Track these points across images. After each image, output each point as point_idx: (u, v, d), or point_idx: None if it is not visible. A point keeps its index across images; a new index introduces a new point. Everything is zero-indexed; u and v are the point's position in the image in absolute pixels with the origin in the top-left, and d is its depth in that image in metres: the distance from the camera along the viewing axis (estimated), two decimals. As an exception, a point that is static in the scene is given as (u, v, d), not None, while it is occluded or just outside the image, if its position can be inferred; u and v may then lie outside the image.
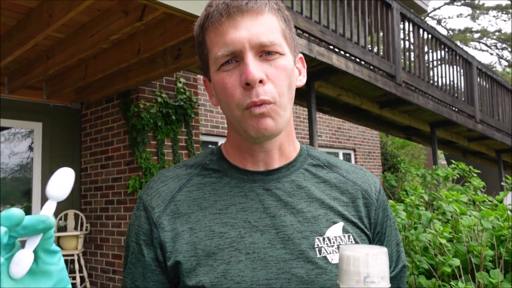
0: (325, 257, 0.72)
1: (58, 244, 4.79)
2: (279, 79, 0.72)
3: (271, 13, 0.73)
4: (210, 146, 6.19)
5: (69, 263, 4.89)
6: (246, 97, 0.70)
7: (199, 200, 0.76)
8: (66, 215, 4.95)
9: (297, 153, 0.83)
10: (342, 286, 0.53)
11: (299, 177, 0.79)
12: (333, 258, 0.73)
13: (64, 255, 4.69)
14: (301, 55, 0.83)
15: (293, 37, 0.78)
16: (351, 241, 0.75)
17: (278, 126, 0.73)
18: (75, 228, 4.94)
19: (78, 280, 4.58)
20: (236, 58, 0.71)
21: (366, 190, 0.82)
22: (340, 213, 0.77)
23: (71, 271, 4.89)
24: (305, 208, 0.76)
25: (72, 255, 4.69)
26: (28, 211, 4.85)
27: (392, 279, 0.82)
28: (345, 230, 0.76)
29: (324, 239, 0.74)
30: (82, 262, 4.75)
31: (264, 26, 0.71)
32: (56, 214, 4.94)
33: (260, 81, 0.70)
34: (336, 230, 0.75)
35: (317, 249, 0.73)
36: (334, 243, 0.74)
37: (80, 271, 4.85)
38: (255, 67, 0.69)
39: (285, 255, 0.71)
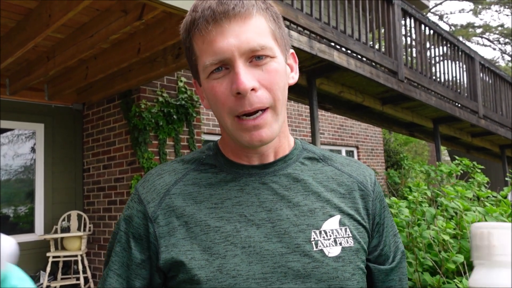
0: (321, 250, 0.72)
1: (62, 245, 4.80)
2: (272, 84, 0.70)
3: (259, 14, 0.71)
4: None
5: (72, 263, 4.90)
6: (238, 106, 0.69)
7: (194, 194, 0.75)
8: (69, 216, 4.95)
9: (292, 147, 0.82)
10: (485, 262, 0.53)
11: (295, 170, 0.79)
12: (330, 251, 0.73)
13: (67, 256, 4.70)
14: (292, 50, 0.81)
15: (283, 35, 0.76)
16: (348, 234, 0.75)
17: (274, 134, 0.72)
18: (78, 229, 4.94)
19: (82, 281, 4.58)
20: (226, 65, 0.70)
21: (362, 182, 0.82)
22: (336, 206, 0.77)
23: (75, 272, 4.90)
24: (302, 201, 0.76)
25: (76, 255, 4.69)
26: (31, 212, 4.87)
27: (393, 270, 0.83)
28: (341, 223, 0.76)
29: (320, 232, 0.73)
30: (86, 262, 4.75)
31: (253, 31, 0.69)
32: (59, 215, 4.95)
33: (252, 89, 0.68)
34: (332, 223, 0.75)
35: (313, 242, 0.72)
36: (330, 236, 0.74)
37: (84, 271, 4.85)
38: (246, 75, 0.68)
39: (281, 249, 0.71)
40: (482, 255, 0.54)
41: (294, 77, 0.81)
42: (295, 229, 0.72)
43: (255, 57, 0.69)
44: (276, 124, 0.72)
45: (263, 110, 0.70)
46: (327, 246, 0.72)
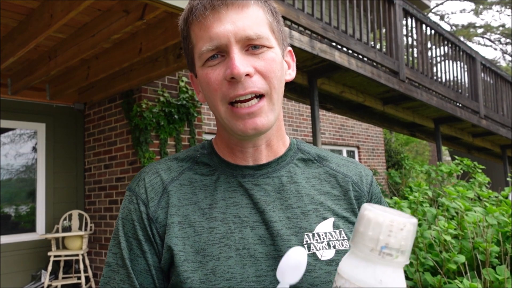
0: (314, 254, 0.70)
1: (63, 245, 4.80)
2: (269, 71, 0.70)
3: (257, 6, 0.71)
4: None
5: (74, 263, 4.91)
6: (231, 90, 0.68)
7: (189, 195, 0.74)
8: (70, 216, 4.96)
9: (287, 148, 0.81)
10: (353, 249, 0.47)
11: (289, 173, 0.78)
12: (323, 255, 0.71)
13: (68, 255, 4.71)
14: (290, 48, 0.81)
15: (281, 29, 0.76)
16: (343, 237, 0.73)
17: (269, 123, 0.71)
18: (80, 228, 4.95)
19: (83, 280, 4.59)
20: (221, 52, 0.69)
21: (356, 183, 0.81)
22: (330, 209, 0.76)
23: (76, 271, 4.91)
24: (294, 203, 0.74)
25: (77, 255, 4.70)
26: (33, 212, 4.87)
27: None
28: (335, 226, 0.74)
29: (313, 235, 0.72)
30: (87, 262, 4.76)
31: (250, 19, 0.69)
32: (60, 214, 4.96)
33: (247, 75, 0.68)
34: (326, 226, 0.73)
35: (306, 245, 0.71)
36: (324, 239, 0.72)
37: (85, 271, 4.86)
38: (240, 61, 0.67)
39: (274, 251, 0.69)
40: (354, 241, 0.47)
41: (291, 74, 0.80)
42: (287, 232, 0.71)
43: (252, 47, 0.69)
44: (272, 114, 0.71)
45: (259, 98, 0.70)
46: (320, 249, 0.71)
